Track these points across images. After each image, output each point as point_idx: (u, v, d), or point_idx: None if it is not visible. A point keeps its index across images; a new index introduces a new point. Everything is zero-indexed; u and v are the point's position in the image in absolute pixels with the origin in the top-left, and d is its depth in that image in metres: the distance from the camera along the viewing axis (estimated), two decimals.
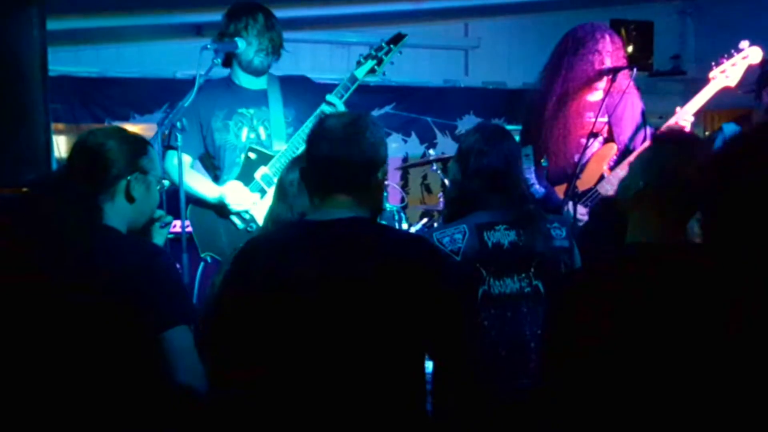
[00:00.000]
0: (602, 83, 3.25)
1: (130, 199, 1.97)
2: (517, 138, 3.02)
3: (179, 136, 2.89)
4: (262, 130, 3.24)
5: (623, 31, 6.30)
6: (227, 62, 3.22)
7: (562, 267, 2.31)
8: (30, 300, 1.75)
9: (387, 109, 6.80)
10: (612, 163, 3.28)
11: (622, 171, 2.95)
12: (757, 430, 1.44)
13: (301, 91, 3.28)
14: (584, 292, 1.63)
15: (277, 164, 3.13)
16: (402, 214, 5.09)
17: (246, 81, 3.26)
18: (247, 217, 3.18)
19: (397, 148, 6.91)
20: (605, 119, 3.29)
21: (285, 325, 1.80)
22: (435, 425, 2.04)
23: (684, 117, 3.19)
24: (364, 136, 1.87)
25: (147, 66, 6.04)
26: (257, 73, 3.24)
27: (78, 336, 1.76)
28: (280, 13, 3.31)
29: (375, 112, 6.52)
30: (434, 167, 5.13)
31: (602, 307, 1.56)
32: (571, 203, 3.04)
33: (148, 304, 1.81)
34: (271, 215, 2.44)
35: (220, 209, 3.18)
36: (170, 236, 2.35)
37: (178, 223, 2.92)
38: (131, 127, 4.14)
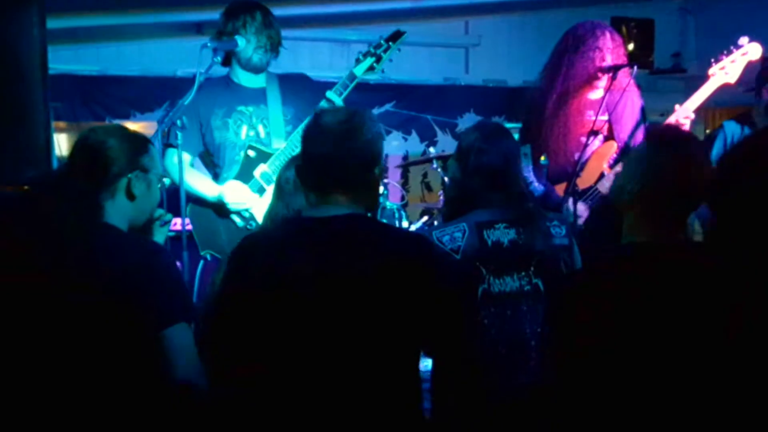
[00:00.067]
0: (603, 81, 3.25)
1: (131, 197, 1.97)
2: (516, 136, 3.01)
3: (179, 134, 2.90)
4: (261, 128, 3.24)
5: (624, 29, 6.31)
6: (226, 61, 3.23)
7: (562, 265, 2.31)
8: (30, 298, 1.75)
9: (387, 107, 6.81)
10: (612, 161, 3.27)
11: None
12: (757, 426, 1.44)
13: (299, 89, 3.29)
14: (584, 292, 1.63)
15: (277, 162, 3.13)
16: (402, 212, 5.09)
17: (245, 79, 3.26)
18: (246, 215, 3.18)
19: (397, 146, 6.92)
20: (605, 117, 3.28)
21: (283, 321, 1.80)
22: (431, 423, 2.04)
23: (684, 114, 3.19)
24: (360, 132, 1.85)
25: (147, 64, 6.05)
26: (256, 70, 3.24)
27: (78, 333, 1.76)
28: (280, 11, 3.31)
29: (375, 110, 6.53)
30: (434, 165, 5.13)
31: (602, 307, 1.57)
32: (571, 201, 3.04)
33: (149, 301, 1.82)
34: (270, 213, 2.44)
35: (220, 207, 3.19)
36: (170, 234, 2.35)
37: (178, 221, 2.93)
38: (132, 125, 4.15)
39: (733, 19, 6.09)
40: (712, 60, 3.26)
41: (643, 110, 3.37)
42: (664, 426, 1.50)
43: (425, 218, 5.21)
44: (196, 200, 3.21)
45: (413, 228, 4.89)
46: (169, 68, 5.96)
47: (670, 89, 6.66)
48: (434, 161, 5.14)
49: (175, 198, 2.84)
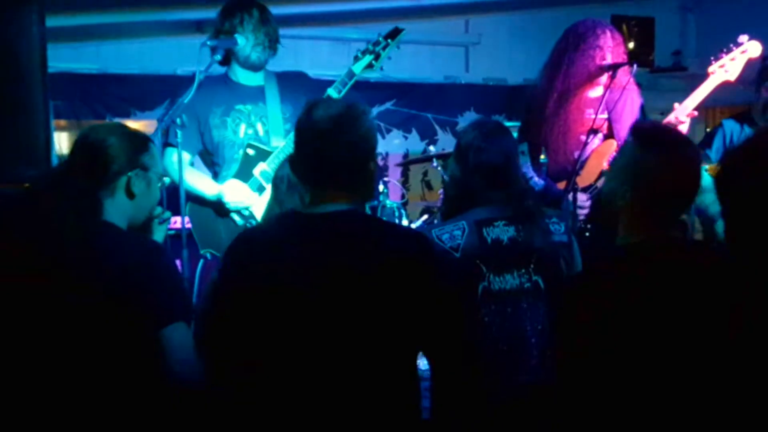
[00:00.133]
0: (603, 79, 3.25)
1: (131, 195, 1.98)
2: (515, 135, 3.01)
3: (179, 133, 2.89)
4: (259, 127, 3.24)
5: (624, 27, 6.30)
6: (225, 59, 3.22)
7: (562, 262, 2.31)
8: (30, 296, 1.75)
9: (387, 105, 6.81)
10: (612, 160, 3.27)
11: None
12: (757, 426, 1.44)
13: (298, 87, 3.28)
14: (584, 292, 1.64)
15: (276, 160, 3.13)
16: (402, 211, 5.09)
17: (243, 77, 3.26)
18: (246, 213, 3.18)
19: (397, 144, 6.92)
20: (605, 116, 3.28)
21: (280, 318, 1.79)
22: (432, 422, 2.04)
23: (683, 112, 3.19)
24: (354, 126, 1.80)
25: (147, 62, 6.05)
26: (254, 68, 3.24)
27: (77, 332, 1.76)
28: (281, 10, 3.32)
29: (375, 109, 6.54)
30: (435, 164, 5.13)
31: (602, 307, 1.57)
32: (570, 194, 3.04)
33: (148, 300, 1.82)
34: (269, 212, 2.44)
35: (220, 206, 3.19)
36: (170, 233, 2.35)
37: (177, 219, 2.93)
38: (132, 124, 4.14)
39: (734, 17, 6.09)
40: (712, 58, 3.26)
41: (643, 108, 3.36)
42: (665, 425, 1.50)
43: (425, 217, 5.21)
44: (196, 199, 3.21)
45: (413, 226, 4.89)
46: (169, 66, 5.96)
47: (671, 87, 6.65)
48: (434, 160, 5.14)
49: (174, 197, 2.84)
